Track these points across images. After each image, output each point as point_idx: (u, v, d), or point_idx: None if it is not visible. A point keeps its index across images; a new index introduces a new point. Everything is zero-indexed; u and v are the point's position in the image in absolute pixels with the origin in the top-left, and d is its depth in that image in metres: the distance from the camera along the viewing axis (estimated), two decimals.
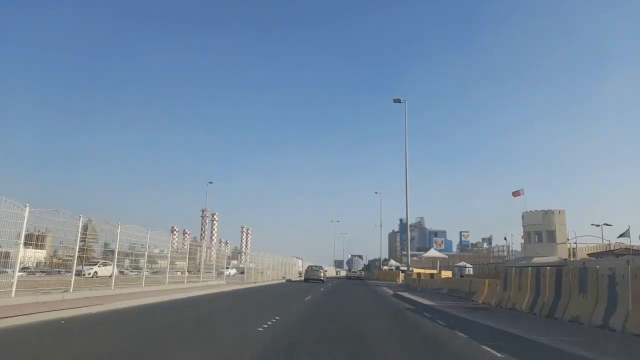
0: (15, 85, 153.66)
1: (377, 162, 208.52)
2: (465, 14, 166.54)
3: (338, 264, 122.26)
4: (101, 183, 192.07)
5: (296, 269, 55.84)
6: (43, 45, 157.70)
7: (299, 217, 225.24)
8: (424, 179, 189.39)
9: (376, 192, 67.63)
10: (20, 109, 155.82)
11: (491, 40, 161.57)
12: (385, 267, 67.30)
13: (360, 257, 77.84)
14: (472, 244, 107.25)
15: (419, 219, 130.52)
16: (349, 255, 78.62)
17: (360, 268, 75.67)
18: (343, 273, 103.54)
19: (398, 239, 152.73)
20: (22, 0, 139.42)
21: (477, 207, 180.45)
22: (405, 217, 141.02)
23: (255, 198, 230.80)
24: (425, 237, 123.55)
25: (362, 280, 59.23)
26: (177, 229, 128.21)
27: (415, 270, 41.30)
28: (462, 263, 44.12)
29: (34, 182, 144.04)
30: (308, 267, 45.31)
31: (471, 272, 38.92)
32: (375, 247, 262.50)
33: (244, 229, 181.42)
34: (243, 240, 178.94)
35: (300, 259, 60.33)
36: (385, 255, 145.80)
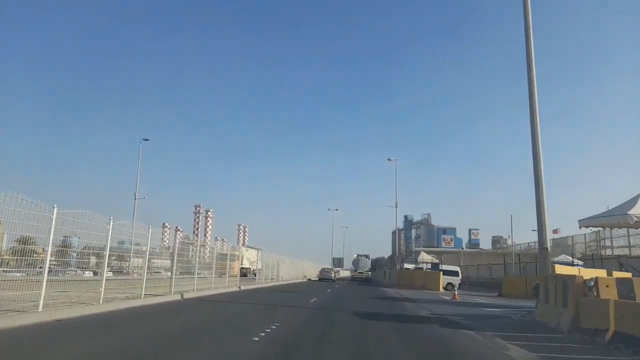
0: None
1: (377, 164, 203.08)
2: (465, 16, 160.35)
3: (337, 262, 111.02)
4: (98, 182, 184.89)
5: (238, 264, 32.66)
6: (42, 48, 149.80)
7: (298, 217, 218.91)
8: (427, 177, 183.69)
9: (389, 159, 47.12)
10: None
11: (489, 43, 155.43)
12: (409, 266, 48.28)
13: (367, 256, 70.73)
14: (494, 239, 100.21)
15: (426, 215, 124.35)
16: (355, 255, 71.44)
17: (367, 269, 68.52)
18: (344, 273, 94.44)
19: (402, 237, 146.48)
20: (25, 2, 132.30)
21: (481, 206, 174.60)
22: (410, 214, 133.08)
23: (253, 198, 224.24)
24: (433, 235, 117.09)
25: (375, 285, 41.37)
26: (169, 226, 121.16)
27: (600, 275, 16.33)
28: (563, 257, 27.98)
29: (27, 182, 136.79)
30: (321, 269, 55.17)
31: None
32: (379, 248, 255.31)
33: (241, 226, 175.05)
34: (240, 239, 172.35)
35: (258, 249, 40.26)
36: (388, 252, 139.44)
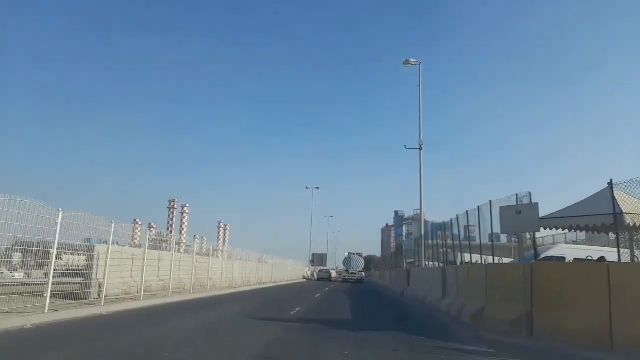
0: None
1: (367, 162, 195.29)
2: (470, 16, 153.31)
3: (318, 259, 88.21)
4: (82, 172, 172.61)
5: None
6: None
7: (277, 216, 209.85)
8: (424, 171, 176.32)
9: (409, 63, 24.95)
10: None
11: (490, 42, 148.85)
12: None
13: (360, 254, 62.01)
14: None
15: (418, 210, 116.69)
16: (346, 253, 62.83)
17: (361, 268, 59.87)
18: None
19: (393, 234, 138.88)
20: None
21: (477, 202, 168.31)
22: (401, 209, 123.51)
23: (237, 194, 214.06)
24: (427, 231, 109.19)
25: (384, 294, 28.60)
26: (140, 222, 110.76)
27: None
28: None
29: None
30: (320, 270, 61.90)
31: None
32: (370, 246, 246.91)
33: (222, 224, 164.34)
34: (220, 237, 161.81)
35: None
36: (376, 251, 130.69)
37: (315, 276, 63.74)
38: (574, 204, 11.35)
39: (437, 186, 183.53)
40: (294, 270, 54.32)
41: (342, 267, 73.40)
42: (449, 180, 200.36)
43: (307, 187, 68.78)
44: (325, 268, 67.16)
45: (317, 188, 69.12)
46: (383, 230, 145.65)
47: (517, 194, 10.84)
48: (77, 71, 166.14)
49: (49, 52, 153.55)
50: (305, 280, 55.28)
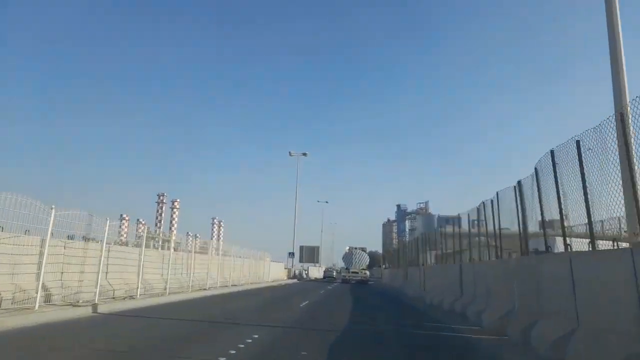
0: None
1: (363, 156, 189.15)
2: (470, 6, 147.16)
3: (308, 254, 71.38)
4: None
5: None
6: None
7: (284, 212, 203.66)
8: (422, 165, 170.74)
9: None
10: None
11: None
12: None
13: (364, 249, 55.22)
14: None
15: (422, 204, 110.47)
16: (347, 248, 55.88)
17: (364, 266, 52.93)
18: (316, 272, 66.03)
19: (395, 229, 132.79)
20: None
21: (481, 196, 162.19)
22: (403, 204, 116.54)
23: (234, 191, 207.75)
24: (432, 225, 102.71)
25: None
26: (127, 218, 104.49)
27: None
28: None
29: None
30: (325, 269, 64.75)
31: None
32: (371, 244, 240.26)
33: (216, 220, 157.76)
34: (214, 234, 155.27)
35: None
36: (377, 247, 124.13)
37: (305, 276, 57.30)
38: None
39: (436, 186, 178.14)
40: (249, 268, 33.74)
41: (341, 264, 64.92)
42: (450, 180, 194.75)
43: (290, 154, 55.68)
44: (330, 267, 69.48)
45: (305, 154, 55.65)
46: (384, 226, 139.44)
47: None
48: (71, 64, 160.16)
49: (45, 49, 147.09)
50: (294, 281, 45.50)
